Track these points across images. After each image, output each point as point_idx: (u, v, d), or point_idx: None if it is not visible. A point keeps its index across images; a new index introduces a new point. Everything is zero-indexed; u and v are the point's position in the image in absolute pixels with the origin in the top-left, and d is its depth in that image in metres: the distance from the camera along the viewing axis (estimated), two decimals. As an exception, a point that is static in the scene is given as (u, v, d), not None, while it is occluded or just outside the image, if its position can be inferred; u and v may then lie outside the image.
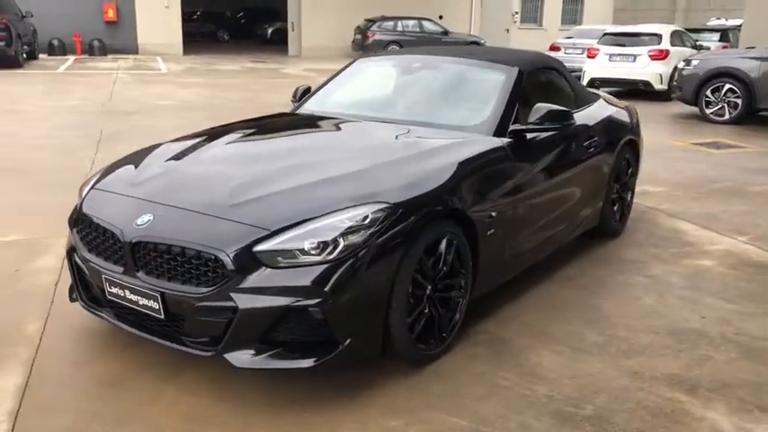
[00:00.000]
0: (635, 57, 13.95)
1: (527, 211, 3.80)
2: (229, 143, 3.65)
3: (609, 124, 4.84)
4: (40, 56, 20.93)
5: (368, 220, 2.77)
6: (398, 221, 2.84)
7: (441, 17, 26.59)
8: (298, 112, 4.48)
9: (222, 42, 34.31)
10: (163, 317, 2.81)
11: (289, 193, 2.94)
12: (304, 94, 4.74)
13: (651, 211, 5.89)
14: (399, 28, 23.36)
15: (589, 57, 14.55)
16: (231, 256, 2.65)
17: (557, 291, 4.08)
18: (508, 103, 3.90)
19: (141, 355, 3.15)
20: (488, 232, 3.40)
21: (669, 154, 8.60)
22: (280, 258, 2.67)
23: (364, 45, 22.73)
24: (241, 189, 2.96)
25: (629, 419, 2.77)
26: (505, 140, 3.71)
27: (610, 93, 13.54)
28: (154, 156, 3.50)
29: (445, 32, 23.97)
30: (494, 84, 4.04)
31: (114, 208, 3.05)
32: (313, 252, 2.67)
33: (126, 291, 2.89)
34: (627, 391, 2.99)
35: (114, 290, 2.95)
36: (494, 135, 3.72)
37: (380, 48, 22.03)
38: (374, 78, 4.67)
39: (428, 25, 23.98)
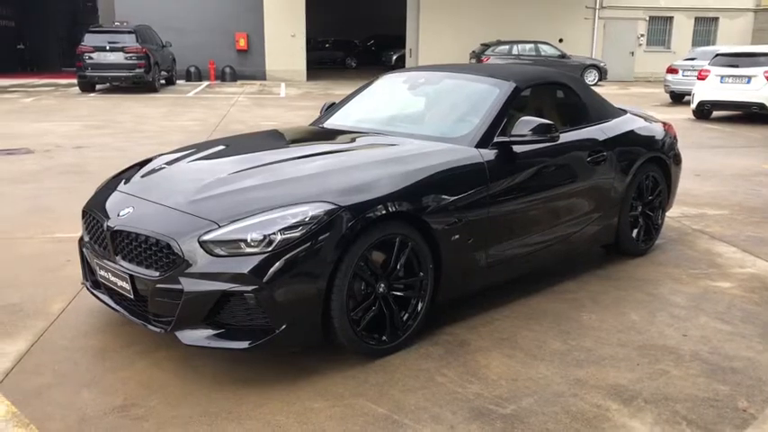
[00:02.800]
0: (749, 78, 13.16)
1: (509, 220, 3.90)
2: (219, 150, 4.05)
3: (627, 140, 4.78)
4: (178, 81, 22.93)
5: (308, 218, 3.04)
6: (339, 221, 3.08)
7: (561, 40, 26.28)
8: (316, 125, 4.81)
9: (349, 69, 35.71)
10: (132, 297, 3.22)
11: (245, 191, 3.27)
12: (329, 108, 5.09)
13: (695, 232, 5.67)
14: (515, 52, 23.30)
15: (699, 79, 13.89)
16: (180, 244, 3.01)
17: (544, 302, 4.11)
18: (496, 117, 4.02)
19: (131, 333, 3.58)
20: (452, 238, 3.55)
21: (754, 178, 8.13)
22: (223, 248, 2.99)
23: (478, 69, 22.85)
24: (206, 187, 3.33)
25: (544, 421, 2.82)
26: (486, 151, 3.84)
27: (721, 117, 12.86)
28: (156, 160, 3.98)
29: (563, 56, 23.64)
30: (486, 97, 4.17)
31: (109, 202, 3.53)
32: (253, 244, 2.98)
33: (109, 273, 3.34)
34: (559, 396, 3.02)
35: (103, 273, 3.41)
36: (476, 146, 3.86)
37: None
38: (385, 93, 4.93)
39: (545, 49, 23.75)
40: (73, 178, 7.83)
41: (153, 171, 3.77)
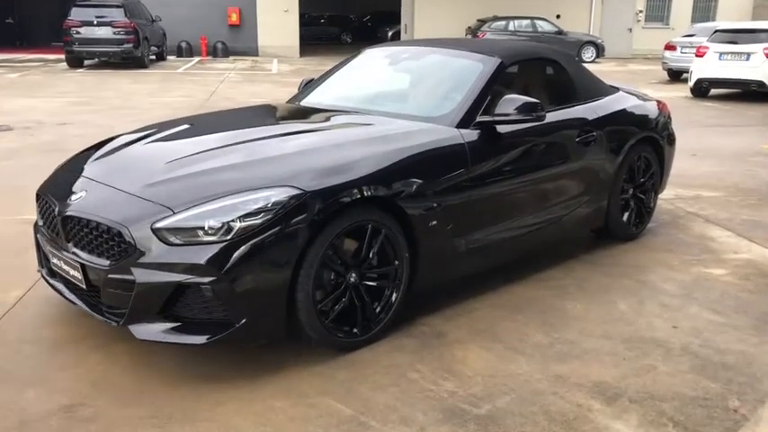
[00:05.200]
0: (748, 55, 12.88)
1: (492, 205, 3.69)
2: (184, 129, 3.82)
3: (618, 119, 4.56)
4: (169, 57, 22.51)
5: (271, 204, 2.82)
6: (305, 207, 2.87)
7: (558, 16, 25.86)
8: (293, 103, 4.57)
9: (344, 44, 35.22)
10: (85, 287, 3.01)
11: (205, 173, 3.05)
12: (307, 85, 4.85)
13: (689, 215, 5.47)
14: (511, 28, 22.92)
15: (697, 56, 13.59)
16: (132, 231, 2.80)
17: (527, 289, 3.91)
18: (479, 94, 3.78)
19: (88, 325, 3.37)
20: (430, 224, 3.34)
21: (752, 158, 7.91)
22: (178, 236, 2.78)
23: (474, 45, 22.52)
24: (164, 170, 3.11)
25: (521, 423, 2.63)
26: (467, 132, 3.61)
27: (720, 95, 12.57)
28: (117, 140, 3.75)
29: (560, 32, 23.28)
30: (469, 74, 3.94)
31: (62, 185, 3.31)
32: (210, 231, 2.76)
33: (62, 261, 3.13)
34: (538, 394, 2.83)
35: (56, 260, 3.20)
36: (457, 126, 3.63)
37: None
38: (365, 69, 4.66)
39: (542, 25, 23.37)
40: (53, 156, 7.51)
41: (112, 152, 3.54)
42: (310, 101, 4.40)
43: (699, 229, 5.11)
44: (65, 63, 18.89)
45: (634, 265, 4.34)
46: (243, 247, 2.75)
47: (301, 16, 25.05)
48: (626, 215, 4.71)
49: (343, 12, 38.48)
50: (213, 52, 23.74)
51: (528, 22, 23.36)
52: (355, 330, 3.15)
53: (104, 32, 17.92)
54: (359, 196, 3.03)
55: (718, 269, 4.29)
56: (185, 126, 3.89)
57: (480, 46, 4.30)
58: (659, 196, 5.20)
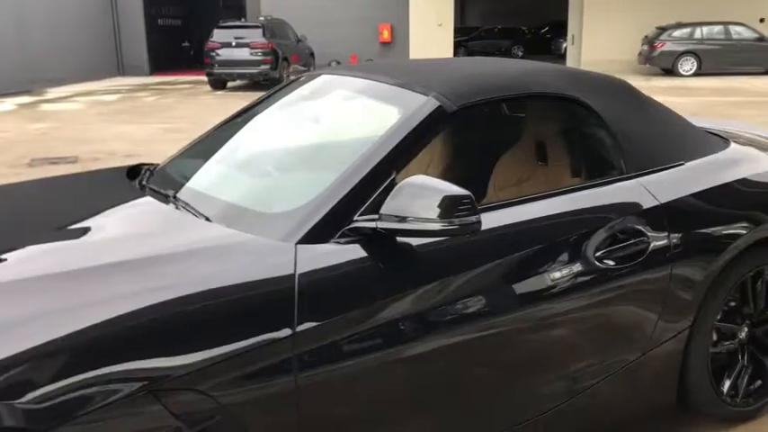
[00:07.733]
0: None
1: (359, 394, 1.83)
2: None
3: (710, 201, 2.42)
4: (318, 77, 21.97)
5: None
6: None
7: (762, 20, 21.79)
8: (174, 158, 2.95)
9: (514, 59, 33.07)
10: None
11: None
12: (216, 128, 3.21)
13: None
14: (698, 35, 19.53)
15: None
16: None
17: None
18: (370, 174, 1.93)
19: None
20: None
21: None
22: None
23: (650, 57, 19.53)
24: None
25: None
26: (321, 249, 1.79)
27: None
28: None
29: (762, 39, 19.45)
30: (372, 129, 2.08)
31: None
32: None
33: None
34: None
35: None
36: (303, 238, 1.81)
37: (668, 60, 18.80)
38: (270, 111, 2.84)
39: (739, 31, 19.67)
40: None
41: None
42: (169, 163, 2.77)
43: None
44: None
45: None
46: None
47: (473, 29, 23.42)
48: (728, 381, 2.52)
49: (519, 24, 36.33)
50: (363, 70, 22.92)
51: (720, 28, 19.80)
52: None
53: (242, 54, 17.57)
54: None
55: None
56: None
57: (423, 75, 2.38)
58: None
